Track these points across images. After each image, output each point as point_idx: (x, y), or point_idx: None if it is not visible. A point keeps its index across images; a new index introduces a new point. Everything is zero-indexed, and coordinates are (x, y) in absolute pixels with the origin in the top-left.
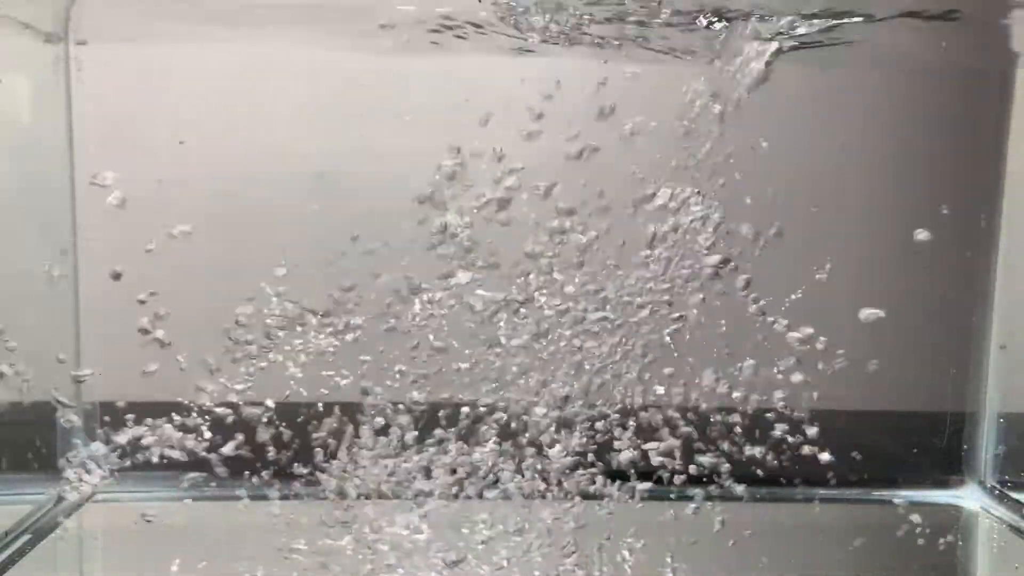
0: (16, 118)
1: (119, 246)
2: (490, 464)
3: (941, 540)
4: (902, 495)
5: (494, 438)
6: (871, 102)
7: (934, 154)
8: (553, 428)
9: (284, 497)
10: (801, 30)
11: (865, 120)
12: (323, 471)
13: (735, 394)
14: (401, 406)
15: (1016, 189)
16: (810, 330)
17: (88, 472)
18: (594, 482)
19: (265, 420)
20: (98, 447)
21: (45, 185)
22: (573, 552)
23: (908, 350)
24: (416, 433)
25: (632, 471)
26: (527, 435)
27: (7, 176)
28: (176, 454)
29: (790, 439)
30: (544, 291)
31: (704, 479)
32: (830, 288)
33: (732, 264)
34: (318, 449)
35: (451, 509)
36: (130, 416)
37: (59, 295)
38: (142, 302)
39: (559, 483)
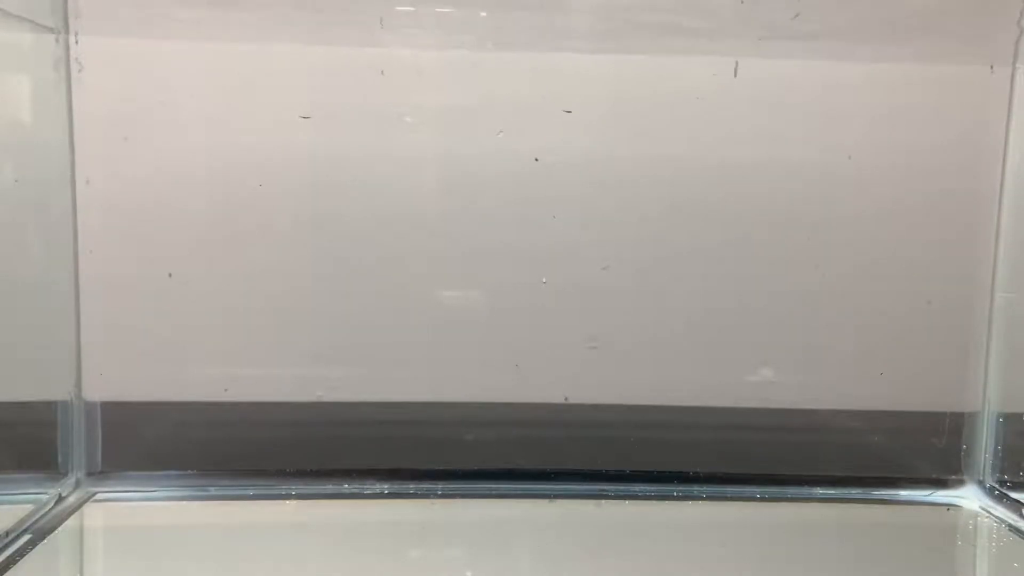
0: (16, 118)
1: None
2: None
3: (940, 540)
4: (902, 495)
5: None
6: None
7: (934, 154)
8: None
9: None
10: None
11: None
12: None
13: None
14: None
15: (1016, 189)
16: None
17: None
18: None
19: None
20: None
21: (45, 185)
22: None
23: (908, 350)
24: None
25: None
26: None
27: (7, 176)
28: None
29: None
30: None
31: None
32: (830, 288)
33: None
34: None
35: None
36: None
37: (59, 294)
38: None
39: None
